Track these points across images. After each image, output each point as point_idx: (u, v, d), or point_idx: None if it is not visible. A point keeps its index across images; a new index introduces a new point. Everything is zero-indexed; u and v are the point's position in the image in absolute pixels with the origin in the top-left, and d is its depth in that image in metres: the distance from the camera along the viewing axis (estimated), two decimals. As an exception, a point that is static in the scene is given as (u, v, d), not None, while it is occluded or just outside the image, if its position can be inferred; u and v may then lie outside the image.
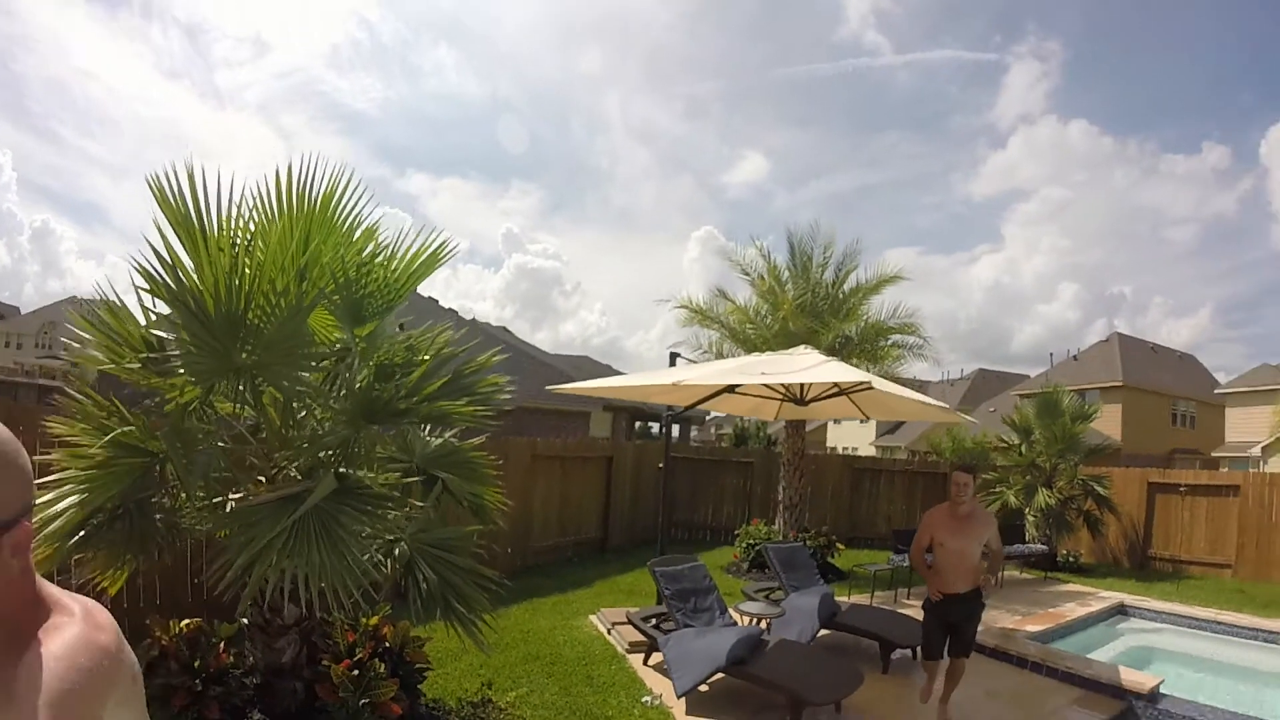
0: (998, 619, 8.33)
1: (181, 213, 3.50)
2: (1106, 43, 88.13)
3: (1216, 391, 39.26)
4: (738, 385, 8.03)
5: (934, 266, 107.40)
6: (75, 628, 1.05)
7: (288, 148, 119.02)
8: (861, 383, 6.77)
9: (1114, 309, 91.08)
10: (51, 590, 1.13)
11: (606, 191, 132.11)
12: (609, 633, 7.20)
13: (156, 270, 3.36)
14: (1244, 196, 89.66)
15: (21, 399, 34.54)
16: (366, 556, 3.33)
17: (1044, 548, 12.65)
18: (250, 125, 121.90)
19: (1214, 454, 36.78)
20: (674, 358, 11.20)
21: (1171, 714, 5.68)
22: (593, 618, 7.78)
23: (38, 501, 3.21)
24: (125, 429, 3.49)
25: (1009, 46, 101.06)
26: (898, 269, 12.82)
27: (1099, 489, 13.26)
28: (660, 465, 10.38)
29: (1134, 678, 6.12)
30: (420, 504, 3.95)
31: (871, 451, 48.47)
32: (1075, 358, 45.48)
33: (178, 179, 3.47)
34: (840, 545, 11.83)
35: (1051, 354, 49.18)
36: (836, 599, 7.61)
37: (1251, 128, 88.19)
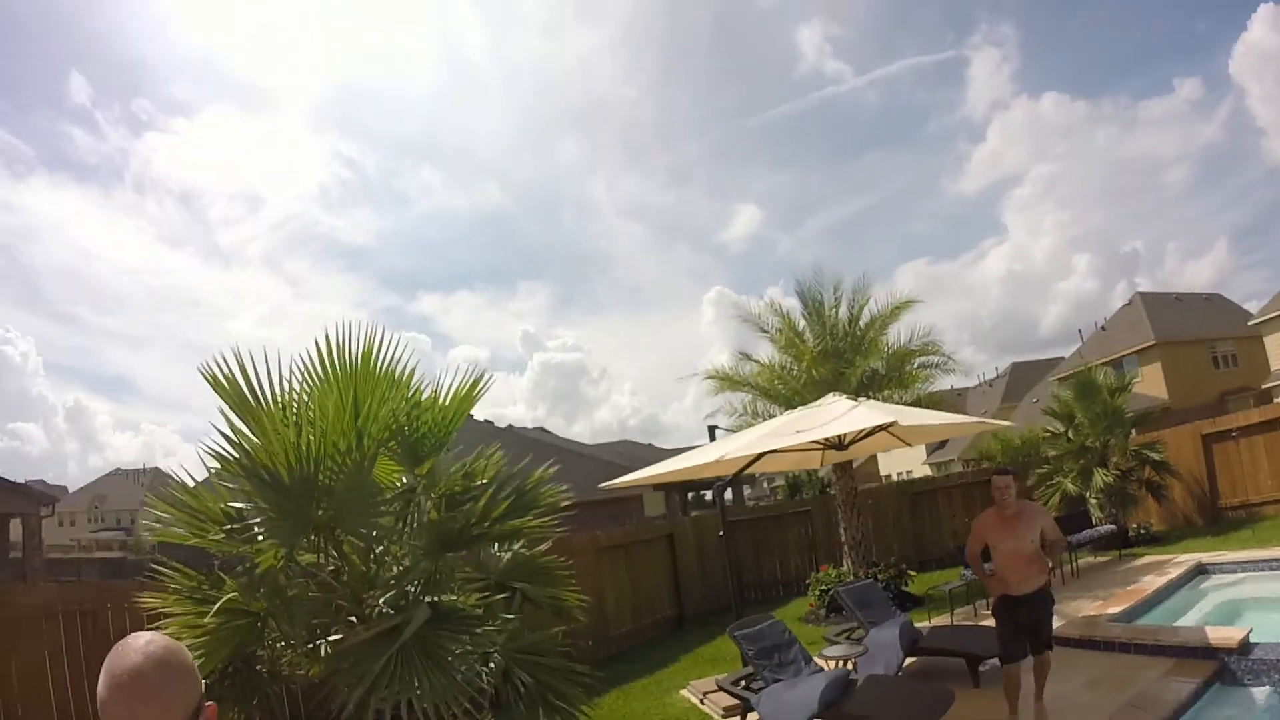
0: (1080, 608, 8.34)
1: (237, 395, 3.98)
2: (1054, 10, 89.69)
3: (1250, 324, 38.34)
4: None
5: (945, 272, 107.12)
6: None
7: (296, 293, 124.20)
8: (890, 422, 7.06)
9: (1131, 268, 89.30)
10: None
11: (612, 274, 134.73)
12: (702, 703, 7.34)
13: (226, 450, 3.83)
14: (1227, 121, 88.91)
15: (85, 574, 35.78)
16: (465, 668, 3.65)
17: (1112, 527, 12.54)
18: (258, 278, 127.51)
19: (1264, 386, 35.79)
20: (713, 431, 11.60)
21: (1265, 661, 5.71)
22: (684, 691, 7.92)
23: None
24: (229, 595, 3.87)
25: (964, 40, 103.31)
26: (909, 291, 13.29)
27: (1154, 455, 13.15)
28: (720, 534, 10.58)
29: (1221, 634, 6.16)
30: (506, 616, 4.27)
31: (925, 471, 47.71)
32: (1103, 328, 44.93)
33: (226, 364, 3.95)
34: (911, 572, 11.81)
35: (1080, 330, 48.54)
36: (916, 625, 7.71)
37: (1216, 51, 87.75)
